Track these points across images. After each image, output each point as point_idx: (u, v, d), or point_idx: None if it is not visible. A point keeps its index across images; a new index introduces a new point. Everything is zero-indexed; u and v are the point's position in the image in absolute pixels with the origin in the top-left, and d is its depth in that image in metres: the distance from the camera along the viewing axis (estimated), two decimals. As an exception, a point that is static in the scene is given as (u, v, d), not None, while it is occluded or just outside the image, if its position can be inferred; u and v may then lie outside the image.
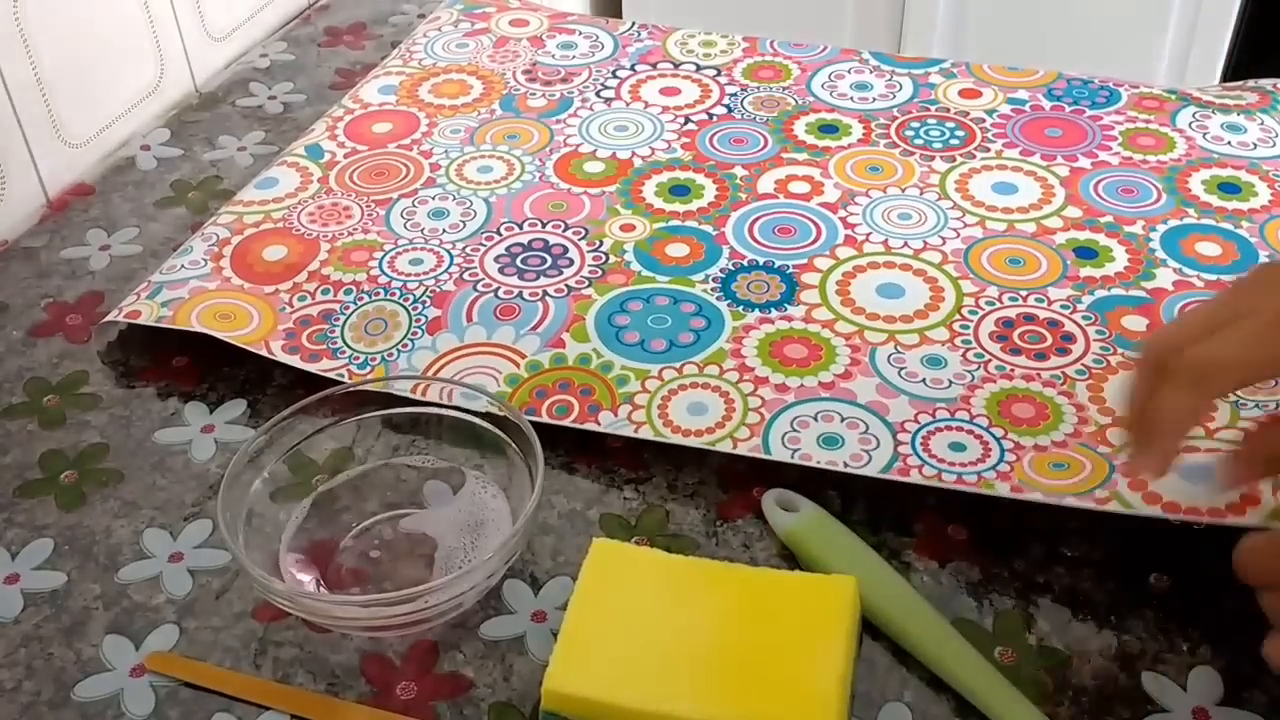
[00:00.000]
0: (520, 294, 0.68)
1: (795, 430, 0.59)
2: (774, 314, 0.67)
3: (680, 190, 0.77)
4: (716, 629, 0.50)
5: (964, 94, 0.86)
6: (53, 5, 0.78)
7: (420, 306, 0.68)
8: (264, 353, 0.65)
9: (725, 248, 0.72)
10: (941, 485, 0.56)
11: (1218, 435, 0.57)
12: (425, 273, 0.70)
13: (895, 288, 0.68)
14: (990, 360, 0.63)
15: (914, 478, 0.56)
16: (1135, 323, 0.65)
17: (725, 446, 0.58)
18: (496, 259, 0.71)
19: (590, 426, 0.60)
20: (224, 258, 0.71)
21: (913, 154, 0.80)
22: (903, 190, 0.76)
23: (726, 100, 0.86)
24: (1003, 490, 0.56)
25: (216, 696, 0.50)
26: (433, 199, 0.77)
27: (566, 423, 0.60)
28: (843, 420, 0.60)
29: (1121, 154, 0.79)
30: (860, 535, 0.55)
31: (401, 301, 0.68)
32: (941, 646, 0.50)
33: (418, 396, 0.60)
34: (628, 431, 0.60)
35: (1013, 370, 0.63)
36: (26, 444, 0.62)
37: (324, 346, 0.65)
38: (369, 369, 0.64)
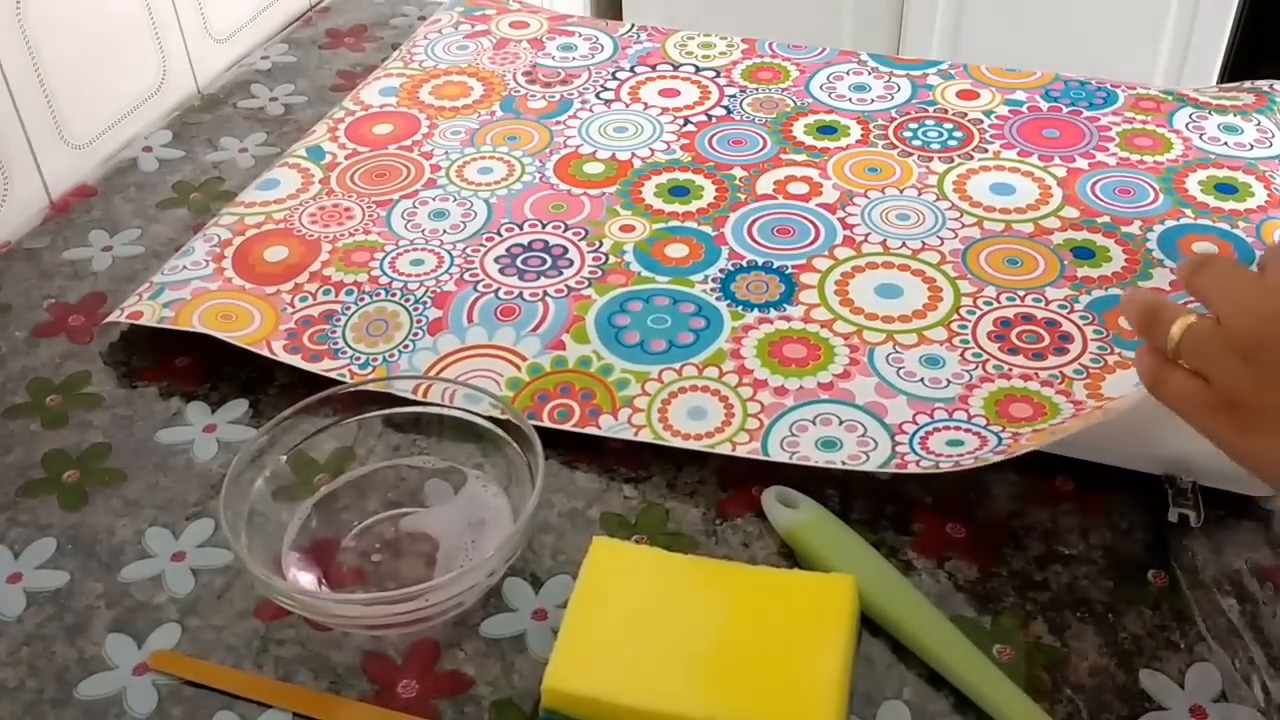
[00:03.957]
0: (520, 294, 0.69)
1: (794, 435, 0.59)
2: (773, 314, 0.67)
3: (680, 191, 0.77)
4: (716, 627, 0.50)
5: (962, 95, 0.86)
6: (55, 7, 0.79)
7: (421, 307, 0.68)
8: (265, 353, 0.65)
9: (724, 248, 0.72)
10: (939, 471, 0.56)
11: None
12: (426, 273, 0.70)
13: (893, 288, 0.69)
14: (988, 360, 0.63)
15: (911, 469, 0.57)
16: (1132, 322, 0.66)
17: (724, 450, 0.59)
18: (497, 259, 0.72)
19: (591, 430, 0.60)
20: (226, 258, 0.72)
21: (911, 155, 0.80)
22: (901, 191, 0.76)
23: (725, 102, 0.86)
24: (996, 459, 0.56)
25: (219, 695, 0.51)
26: (433, 200, 0.77)
27: (567, 427, 0.60)
28: (841, 423, 0.60)
29: (1119, 155, 0.79)
30: (860, 533, 0.55)
31: (402, 302, 0.68)
32: (940, 644, 0.50)
33: (419, 397, 0.60)
34: (627, 435, 0.60)
35: (1010, 370, 0.63)
36: (29, 444, 0.63)
37: (325, 347, 0.66)
38: (370, 369, 0.64)
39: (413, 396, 0.60)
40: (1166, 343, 0.45)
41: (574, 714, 0.48)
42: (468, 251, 0.72)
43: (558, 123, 0.84)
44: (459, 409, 0.59)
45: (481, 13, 0.99)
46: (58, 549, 0.57)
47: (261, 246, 0.73)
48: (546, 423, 0.61)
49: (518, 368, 0.64)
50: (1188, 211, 0.74)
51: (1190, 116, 0.82)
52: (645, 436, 0.60)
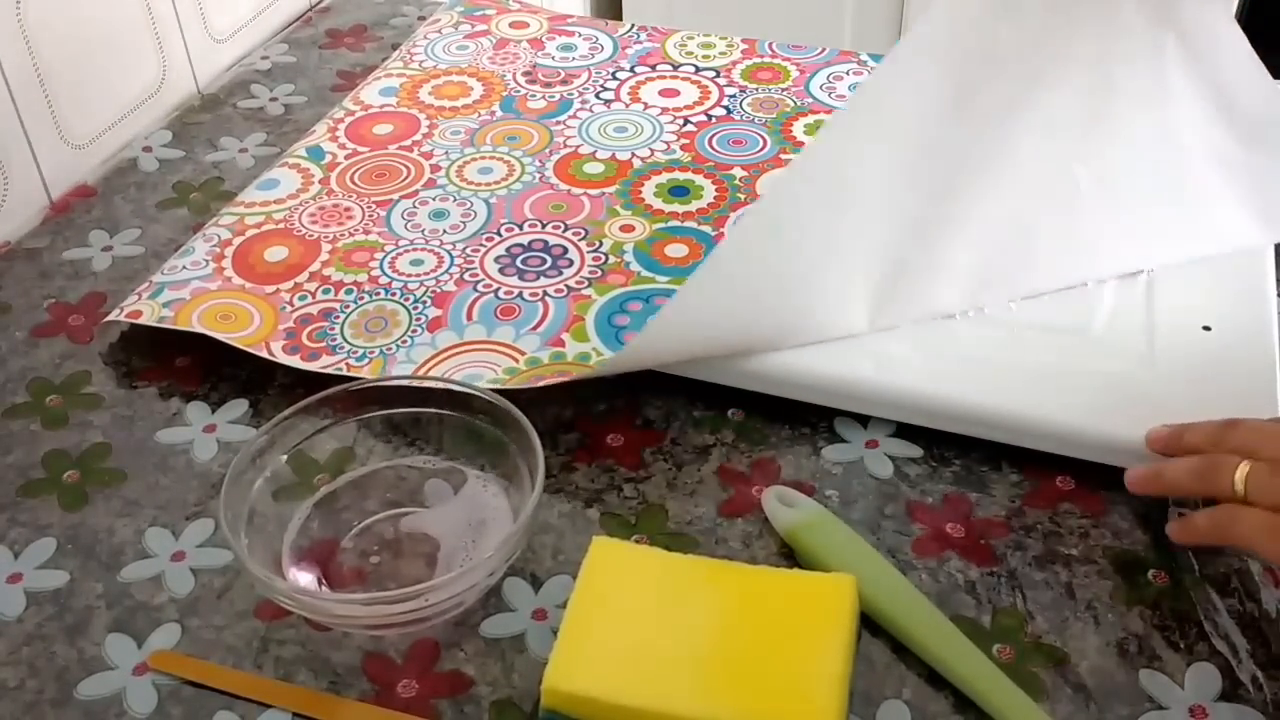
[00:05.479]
0: (520, 294, 0.69)
1: None
2: (773, 314, 0.67)
3: (679, 191, 0.77)
4: (716, 627, 0.50)
5: (962, 95, 0.86)
6: (55, 6, 0.79)
7: (421, 306, 0.68)
8: (264, 354, 0.65)
9: (724, 248, 0.72)
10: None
11: None
12: (426, 273, 0.70)
13: (894, 288, 0.69)
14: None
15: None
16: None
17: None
18: (497, 259, 0.72)
19: (585, 374, 0.61)
20: (225, 258, 0.72)
21: (911, 155, 0.80)
22: (901, 191, 0.76)
23: (725, 101, 0.86)
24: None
25: (219, 695, 0.51)
26: (433, 200, 0.77)
27: (563, 379, 0.61)
28: None
29: (1119, 154, 0.79)
30: (860, 533, 0.55)
31: (402, 301, 0.68)
32: (940, 643, 0.50)
33: (415, 386, 0.60)
34: (625, 369, 0.61)
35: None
36: (29, 444, 0.63)
37: (323, 344, 0.65)
38: (367, 362, 0.64)
39: (411, 385, 0.59)
40: (1230, 491, 0.50)
41: (574, 714, 0.48)
42: (467, 251, 0.72)
43: (558, 123, 0.84)
44: (458, 409, 0.59)
45: (481, 13, 0.99)
46: (58, 549, 0.57)
47: (261, 246, 0.73)
48: (543, 383, 0.61)
49: (515, 360, 0.64)
50: (1188, 211, 0.74)
51: (1190, 116, 0.82)
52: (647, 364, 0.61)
